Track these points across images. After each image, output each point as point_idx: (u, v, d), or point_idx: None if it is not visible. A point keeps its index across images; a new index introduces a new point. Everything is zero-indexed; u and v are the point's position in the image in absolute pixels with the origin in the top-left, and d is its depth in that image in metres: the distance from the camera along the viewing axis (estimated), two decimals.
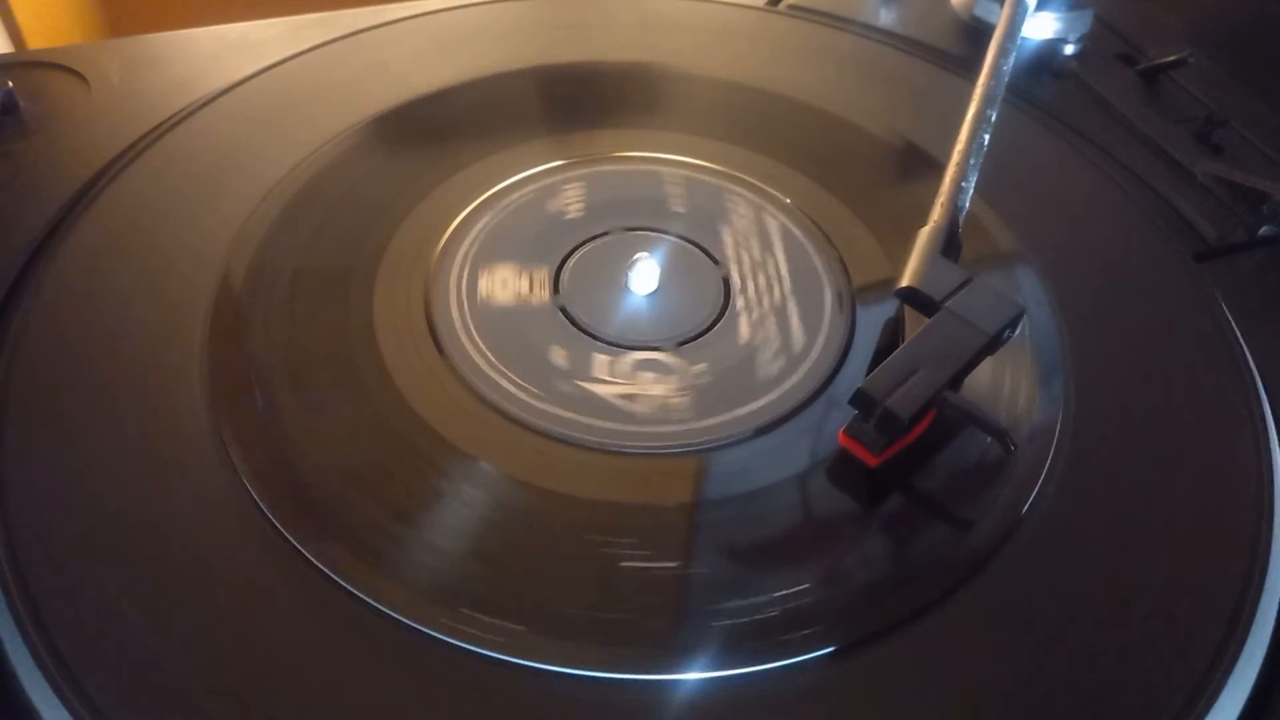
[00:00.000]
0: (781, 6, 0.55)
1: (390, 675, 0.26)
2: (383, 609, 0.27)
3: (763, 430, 0.33)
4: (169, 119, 0.42)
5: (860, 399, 0.30)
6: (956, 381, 0.31)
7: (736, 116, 0.46)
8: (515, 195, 0.41)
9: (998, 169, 0.38)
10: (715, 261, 0.39)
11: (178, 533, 0.28)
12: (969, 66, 0.44)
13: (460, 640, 0.26)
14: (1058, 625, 0.28)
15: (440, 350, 0.34)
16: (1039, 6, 0.51)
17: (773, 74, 0.48)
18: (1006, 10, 0.45)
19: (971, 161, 0.37)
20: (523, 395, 0.33)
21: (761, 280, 0.38)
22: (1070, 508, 0.31)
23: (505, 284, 0.37)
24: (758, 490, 0.31)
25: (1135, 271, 0.40)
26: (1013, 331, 0.33)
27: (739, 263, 0.39)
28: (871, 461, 0.30)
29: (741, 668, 0.26)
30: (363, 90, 0.45)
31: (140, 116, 0.43)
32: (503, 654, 0.26)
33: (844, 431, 0.31)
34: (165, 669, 0.25)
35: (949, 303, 0.32)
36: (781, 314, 0.37)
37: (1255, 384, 0.35)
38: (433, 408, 0.32)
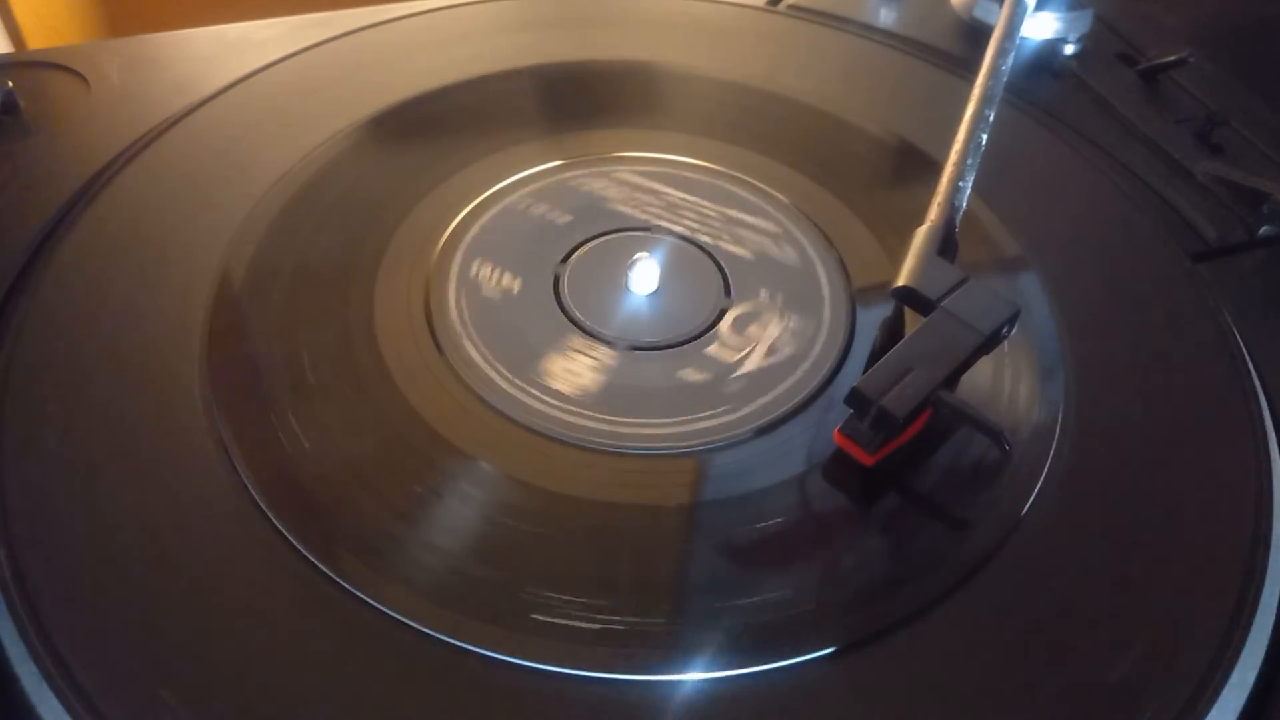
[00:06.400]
0: (781, 6, 0.55)
1: (390, 675, 0.26)
2: (383, 609, 0.27)
3: (762, 431, 0.33)
4: (169, 119, 0.42)
5: (855, 398, 0.30)
6: (952, 381, 0.31)
7: (736, 116, 0.46)
8: (515, 195, 0.41)
9: (997, 169, 0.38)
10: (715, 261, 0.39)
11: (178, 533, 0.28)
12: (969, 67, 0.44)
13: (460, 640, 0.26)
14: (1057, 625, 0.28)
15: (440, 350, 0.34)
16: (1039, 6, 0.51)
17: (772, 74, 0.48)
18: (1006, 10, 0.44)
19: (969, 161, 0.37)
20: (522, 395, 0.33)
21: (761, 280, 0.38)
22: (1070, 508, 0.31)
23: (505, 284, 0.37)
24: (757, 490, 0.31)
25: (1135, 271, 0.40)
26: (1009, 330, 0.33)
27: (738, 262, 0.39)
28: (867, 460, 0.30)
29: (741, 668, 0.26)
30: (362, 89, 0.45)
31: (140, 116, 0.43)
32: (503, 654, 0.26)
33: (839, 430, 0.31)
34: (165, 670, 0.25)
35: (945, 302, 0.32)
36: (781, 314, 0.37)
37: (1254, 384, 0.35)
38: (433, 408, 0.32)
